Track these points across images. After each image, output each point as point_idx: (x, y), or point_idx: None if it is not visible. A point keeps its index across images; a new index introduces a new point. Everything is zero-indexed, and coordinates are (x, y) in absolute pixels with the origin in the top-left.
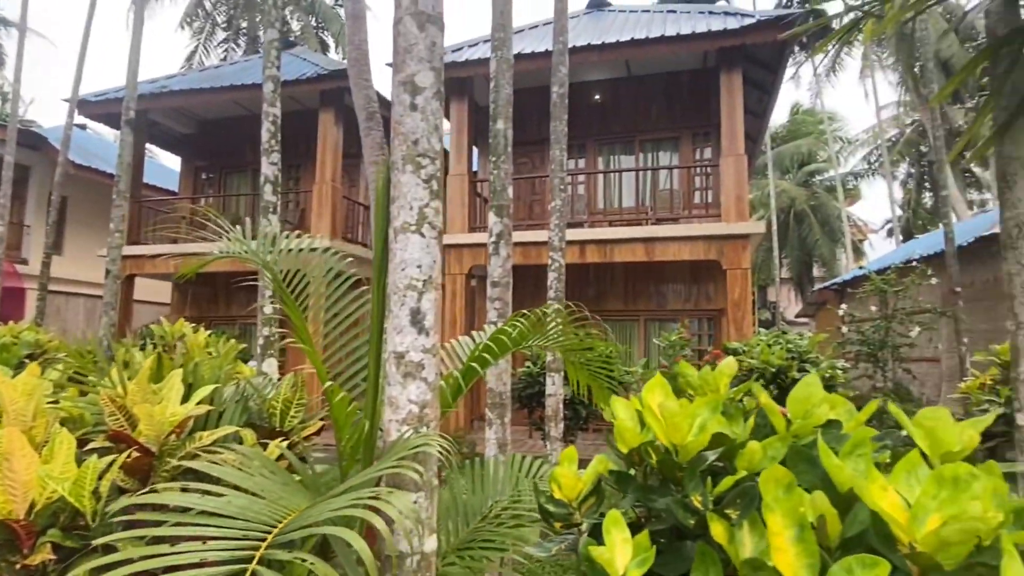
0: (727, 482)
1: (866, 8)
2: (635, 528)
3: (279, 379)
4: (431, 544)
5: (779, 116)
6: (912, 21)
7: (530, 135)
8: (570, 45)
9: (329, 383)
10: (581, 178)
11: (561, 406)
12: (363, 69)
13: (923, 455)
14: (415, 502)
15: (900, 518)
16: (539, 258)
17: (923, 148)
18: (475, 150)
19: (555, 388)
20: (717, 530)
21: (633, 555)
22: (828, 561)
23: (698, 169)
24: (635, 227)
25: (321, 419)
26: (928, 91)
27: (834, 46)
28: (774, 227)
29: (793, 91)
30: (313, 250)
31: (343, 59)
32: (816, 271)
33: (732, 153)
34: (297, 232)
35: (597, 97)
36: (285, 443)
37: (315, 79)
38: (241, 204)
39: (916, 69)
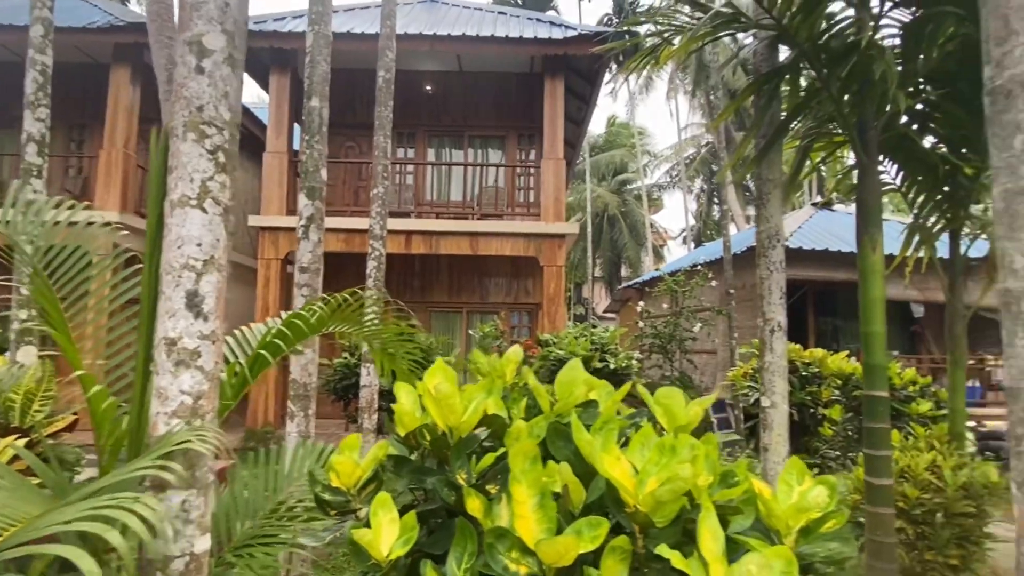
0: (488, 459)
1: (665, 35)
2: (412, 510)
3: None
4: (203, 544)
5: (598, 126)
6: (701, 51)
7: (360, 118)
8: (402, 32)
9: (81, 372)
10: (411, 168)
11: (376, 397)
12: (165, 25)
13: (663, 429)
14: (184, 501)
15: (627, 483)
16: (363, 246)
17: (714, 167)
18: (297, 128)
19: (370, 379)
20: (473, 505)
21: (399, 535)
22: (563, 525)
23: (521, 169)
24: (461, 221)
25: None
26: (712, 113)
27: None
28: (589, 229)
29: (612, 105)
30: (91, 224)
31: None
32: (624, 271)
33: (552, 156)
34: (73, 202)
35: (429, 88)
36: (23, 441)
37: (108, 30)
38: (5, 166)
39: (710, 96)
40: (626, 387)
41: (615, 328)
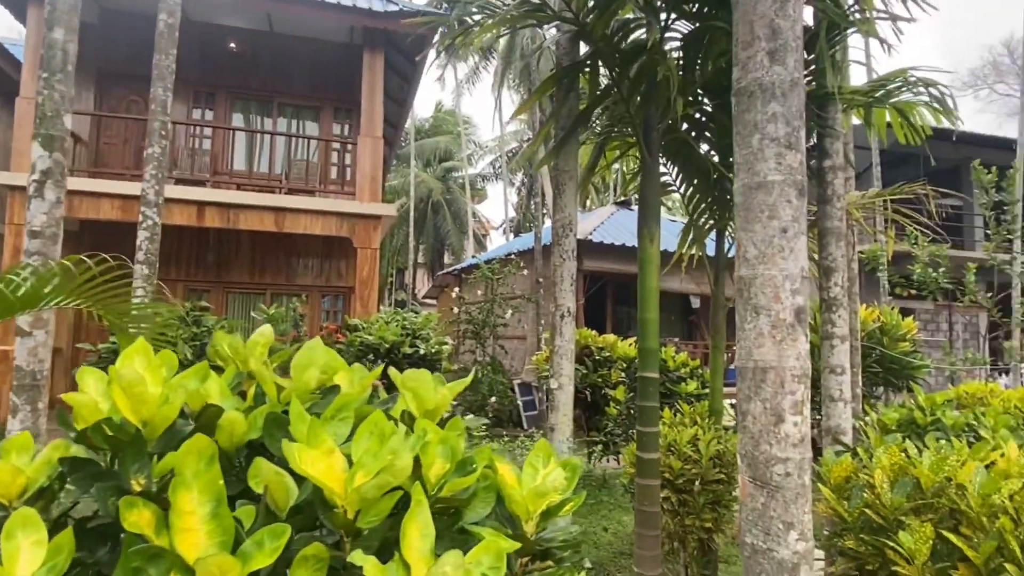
0: (169, 461)
1: (477, 19)
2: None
3: None
4: None
5: (425, 109)
6: (523, 44)
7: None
8: None
9: None
10: (208, 132)
11: None
12: None
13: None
14: None
15: (330, 480)
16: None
17: (532, 161)
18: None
19: None
20: (137, 517)
21: (45, 561)
22: (243, 536)
23: (337, 145)
24: (266, 194)
25: None
26: (539, 112)
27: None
28: (412, 214)
29: (440, 91)
30: None
31: None
32: (447, 258)
33: (370, 134)
34: None
35: (233, 46)
36: None
37: None
38: None
39: (532, 90)
40: (377, 370)
41: (429, 313)
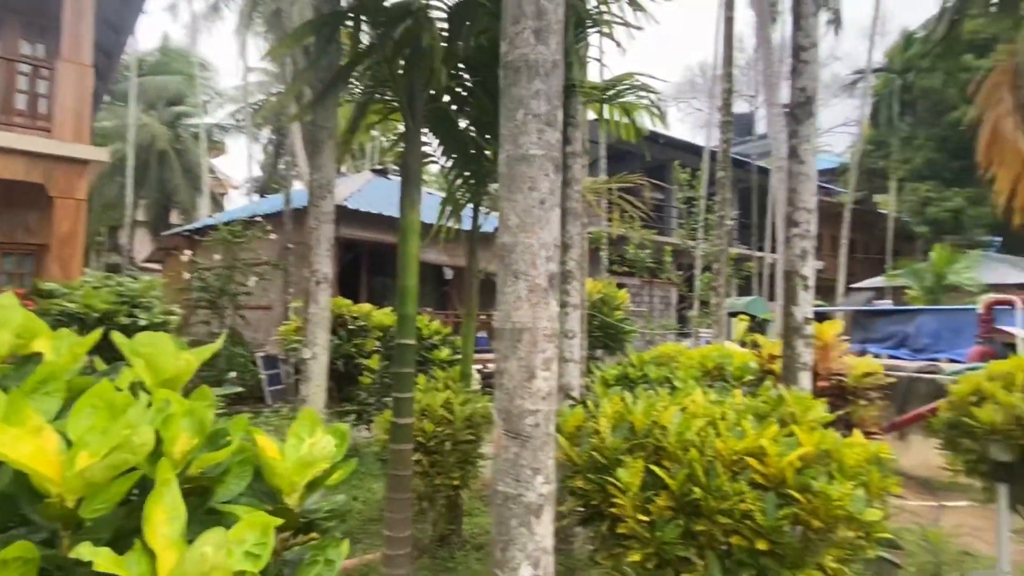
0: None
1: None
2: None
3: None
4: None
5: (151, 42)
6: None
7: None
8: None
9: None
10: None
11: None
12: None
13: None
14: None
15: (41, 465)
16: None
17: (282, 117)
18: None
19: None
20: None
21: None
22: None
23: (26, 68)
24: None
25: None
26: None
27: None
28: (131, 163)
29: (171, 23)
30: None
31: None
32: (175, 217)
33: (75, 60)
34: None
35: None
36: None
37: None
38: None
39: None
40: (95, 335)
41: (152, 279)
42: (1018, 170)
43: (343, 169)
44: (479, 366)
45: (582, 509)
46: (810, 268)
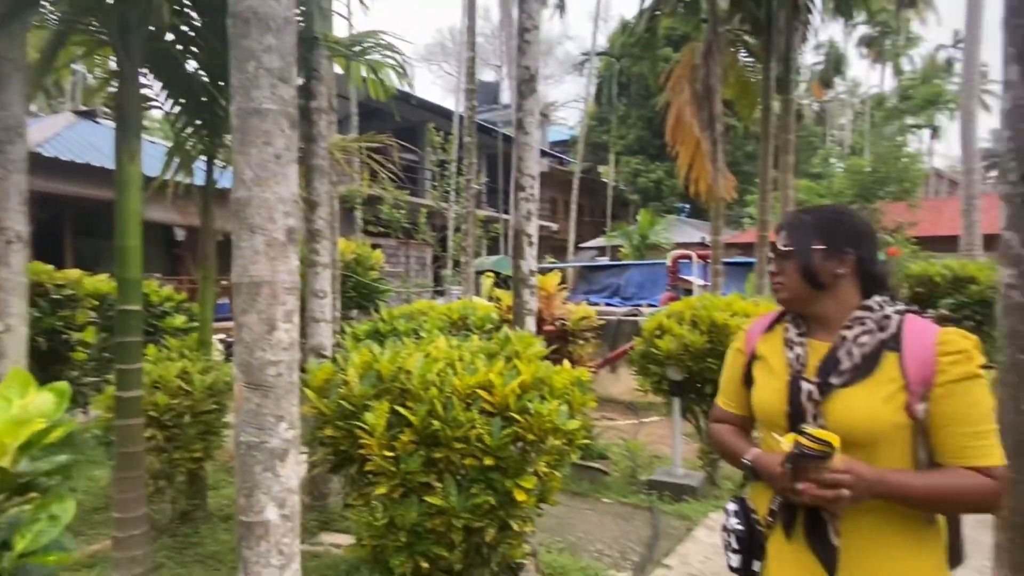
0: None
1: None
2: None
3: None
4: None
5: None
6: None
7: None
8: None
9: None
10: None
11: None
12: None
13: None
14: None
15: None
16: None
17: None
18: None
19: None
20: None
21: None
22: None
23: None
24: None
25: None
26: None
27: None
28: None
29: None
30: None
31: None
32: None
33: None
34: None
35: None
36: None
37: None
38: None
39: None
40: None
41: None
42: (693, 150)
43: (34, 108)
44: (221, 335)
45: (332, 457)
46: (534, 227)
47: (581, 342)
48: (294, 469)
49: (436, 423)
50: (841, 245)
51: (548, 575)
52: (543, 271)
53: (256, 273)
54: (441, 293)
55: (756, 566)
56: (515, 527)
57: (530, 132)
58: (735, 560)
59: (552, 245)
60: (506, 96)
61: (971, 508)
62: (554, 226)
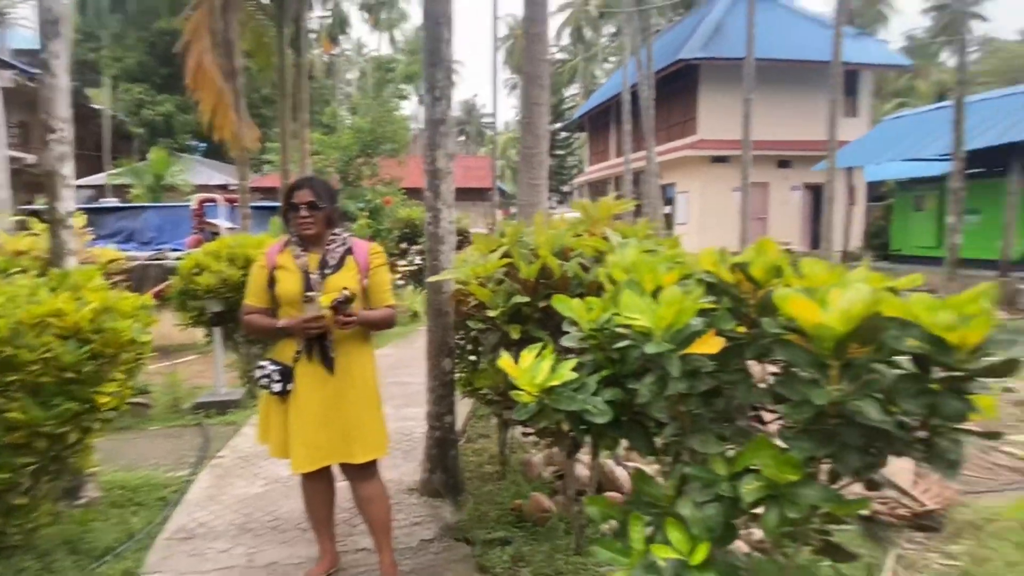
0: None
1: None
2: None
3: None
4: None
5: None
6: None
7: None
8: None
9: None
10: None
11: None
12: None
13: None
14: None
15: None
16: None
17: None
18: None
19: None
20: None
21: None
22: None
23: None
24: None
25: None
26: None
27: None
28: None
29: None
30: None
31: None
32: None
33: None
34: None
35: None
36: None
37: None
38: None
39: None
40: None
41: None
42: (215, 99)
43: None
44: None
45: None
46: (69, 168)
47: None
48: None
49: (7, 349)
50: (333, 201)
51: (109, 491)
52: (38, 214)
53: None
54: None
55: (290, 386)
56: (96, 429)
57: (58, 75)
58: (278, 386)
59: (27, 181)
60: None
61: (389, 325)
62: (30, 157)
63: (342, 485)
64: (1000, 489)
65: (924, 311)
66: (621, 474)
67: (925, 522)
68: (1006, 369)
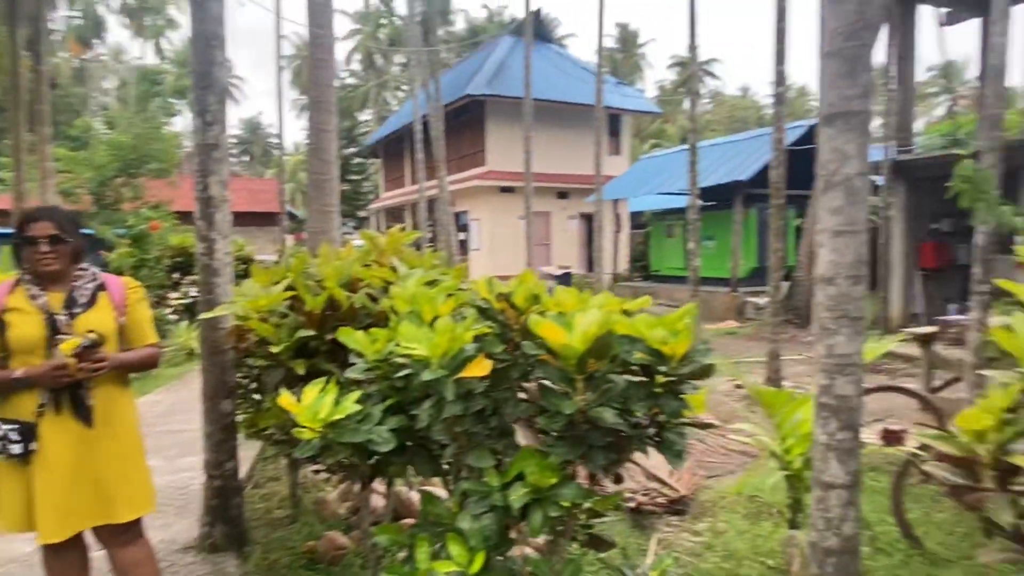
0: None
1: None
2: None
3: None
4: None
5: None
6: None
7: None
8: None
9: None
10: None
11: None
12: None
13: None
14: None
15: None
16: None
17: None
18: None
19: None
20: None
21: None
22: None
23: None
24: None
25: None
26: None
27: None
28: None
29: None
30: None
31: None
32: None
33: None
34: None
35: None
36: None
37: None
38: None
39: None
40: None
41: None
42: None
43: None
44: None
45: None
46: None
47: None
48: None
49: None
50: (77, 234)
51: None
52: None
53: None
54: None
55: (33, 446)
56: None
57: None
58: (17, 447)
59: None
60: None
61: (152, 365)
62: None
63: (98, 555)
64: (734, 471)
65: (646, 328)
66: (416, 499)
67: (679, 506)
68: (704, 372)
